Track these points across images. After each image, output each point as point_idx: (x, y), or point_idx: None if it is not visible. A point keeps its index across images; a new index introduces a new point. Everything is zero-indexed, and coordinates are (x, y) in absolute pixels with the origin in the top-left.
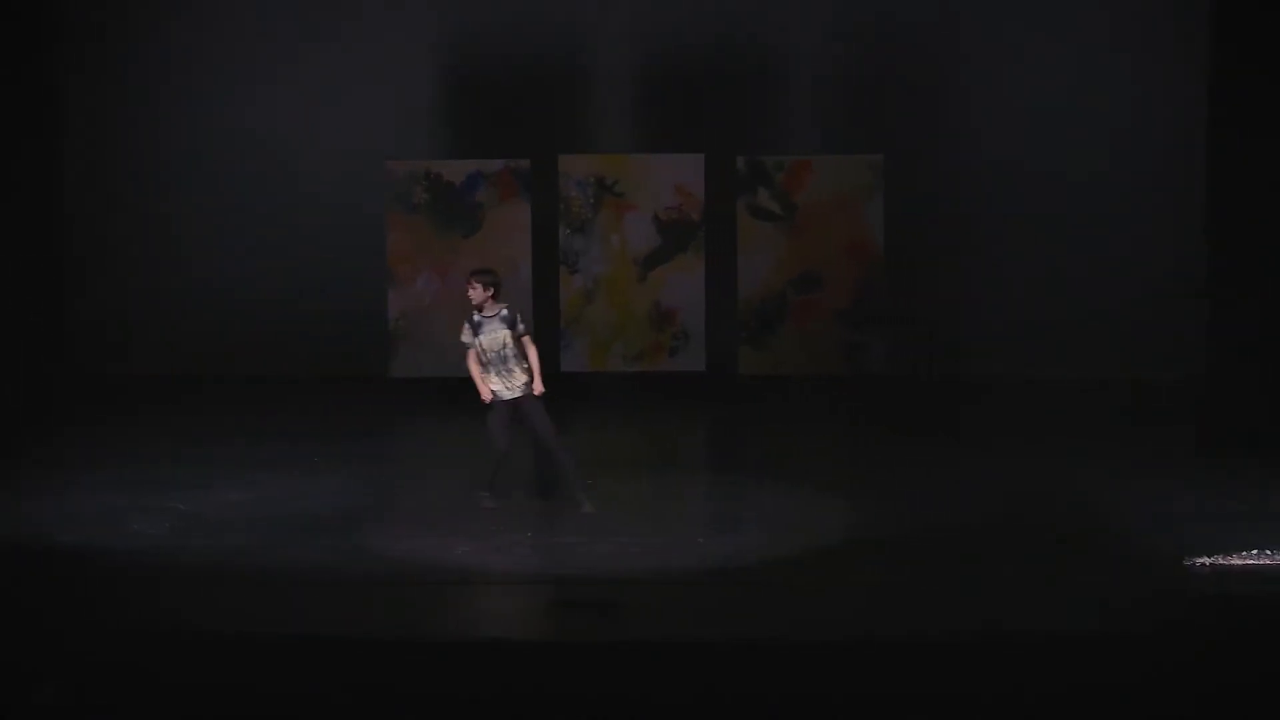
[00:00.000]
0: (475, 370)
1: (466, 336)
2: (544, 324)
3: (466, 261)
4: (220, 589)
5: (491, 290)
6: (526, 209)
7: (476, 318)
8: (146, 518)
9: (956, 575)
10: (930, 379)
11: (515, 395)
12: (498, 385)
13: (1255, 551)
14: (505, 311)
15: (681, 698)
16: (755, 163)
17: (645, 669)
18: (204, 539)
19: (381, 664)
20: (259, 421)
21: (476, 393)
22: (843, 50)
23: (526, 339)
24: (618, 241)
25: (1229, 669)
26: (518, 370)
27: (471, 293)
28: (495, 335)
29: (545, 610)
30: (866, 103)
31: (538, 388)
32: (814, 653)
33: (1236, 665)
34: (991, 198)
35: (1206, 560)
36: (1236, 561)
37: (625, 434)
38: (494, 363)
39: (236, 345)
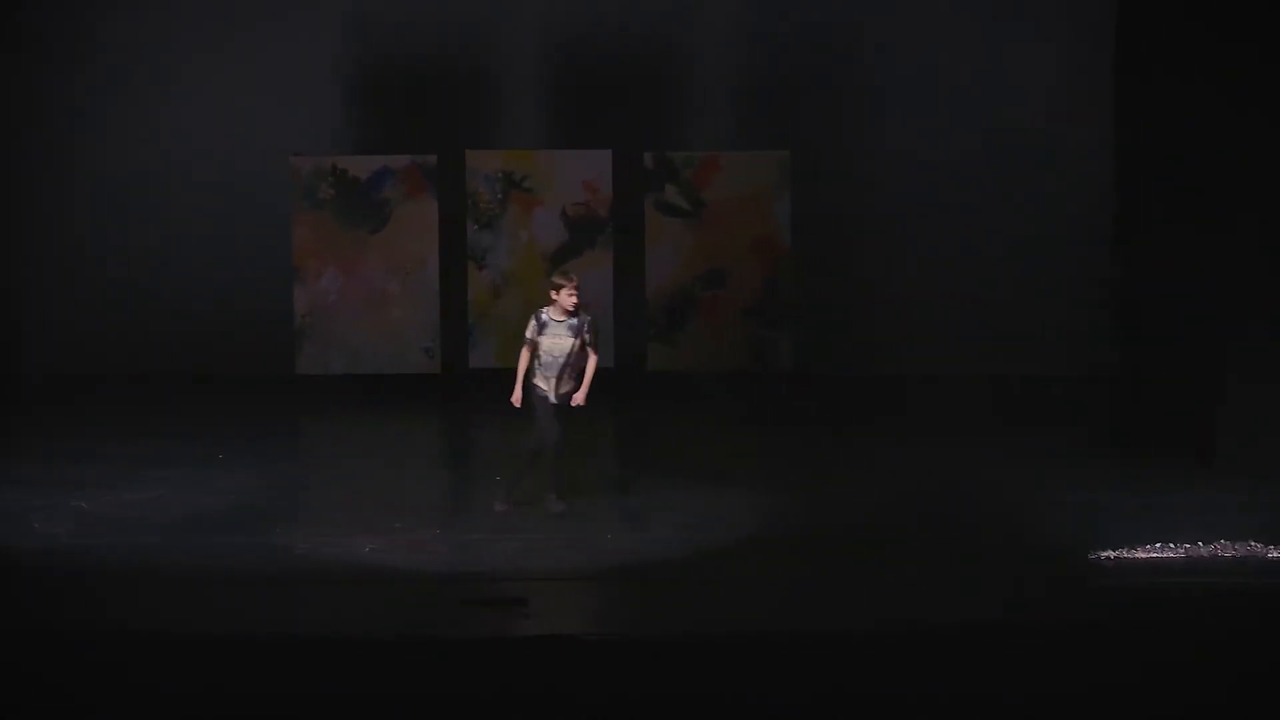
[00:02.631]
0: (521, 367)
1: (530, 332)
2: (451, 320)
3: (373, 257)
4: (127, 588)
5: (575, 297)
6: (434, 205)
7: (544, 316)
8: (49, 518)
9: (864, 570)
10: (839, 375)
11: (555, 400)
12: (545, 387)
13: (1159, 545)
14: (577, 320)
15: (588, 695)
16: (663, 159)
17: (550, 666)
18: (109, 538)
19: (288, 663)
20: (163, 420)
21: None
22: (749, 46)
23: (591, 352)
24: (526, 237)
25: (1132, 661)
26: (568, 379)
27: (572, 298)
28: (561, 341)
29: (452, 608)
30: (774, 99)
31: (580, 398)
32: (722, 650)
33: (1139, 657)
34: (899, 195)
35: (1111, 553)
36: (1141, 555)
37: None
38: (548, 367)
39: (140, 343)
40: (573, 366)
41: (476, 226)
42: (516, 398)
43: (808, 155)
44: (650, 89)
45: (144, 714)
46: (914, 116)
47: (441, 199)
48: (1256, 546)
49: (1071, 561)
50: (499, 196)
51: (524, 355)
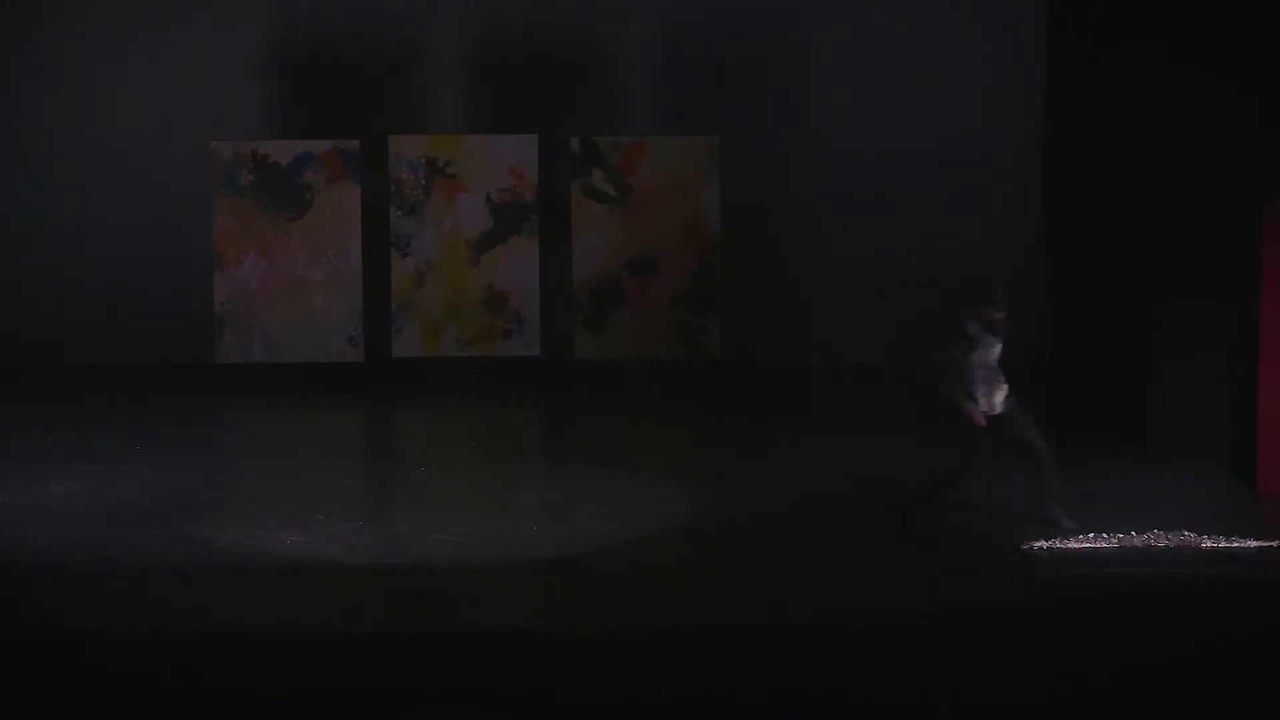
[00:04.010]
0: (959, 387)
1: (964, 349)
2: (375, 308)
3: (294, 244)
4: (42, 583)
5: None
6: (356, 190)
7: (972, 330)
8: None
9: (791, 560)
10: (770, 363)
11: (1003, 409)
12: (986, 402)
13: (1092, 535)
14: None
15: (511, 687)
16: (590, 143)
17: (477, 660)
18: (25, 532)
19: (205, 657)
20: (81, 412)
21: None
22: (678, 29)
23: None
24: (450, 223)
25: (1064, 653)
26: (1002, 383)
27: (999, 315)
28: (994, 350)
29: (376, 601)
30: (703, 83)
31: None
32: (649, 641)
33: (1071, 650)
34: (831, 181)
35: (1044, 544)
36: (1074, 545)
37: (459, 420)
38: (987, 379)
39: (57, 333)
40: (1000, 371)
41: (400, 213)
42: (977, 416)
43: (737, 140)
44: (576, 73)
45: (53, 711)
46: (846, 102)
47: (364, 185)
48: (1190, 536)
49: (1003, 552)
50: (423, 182)
51: (954, 371)
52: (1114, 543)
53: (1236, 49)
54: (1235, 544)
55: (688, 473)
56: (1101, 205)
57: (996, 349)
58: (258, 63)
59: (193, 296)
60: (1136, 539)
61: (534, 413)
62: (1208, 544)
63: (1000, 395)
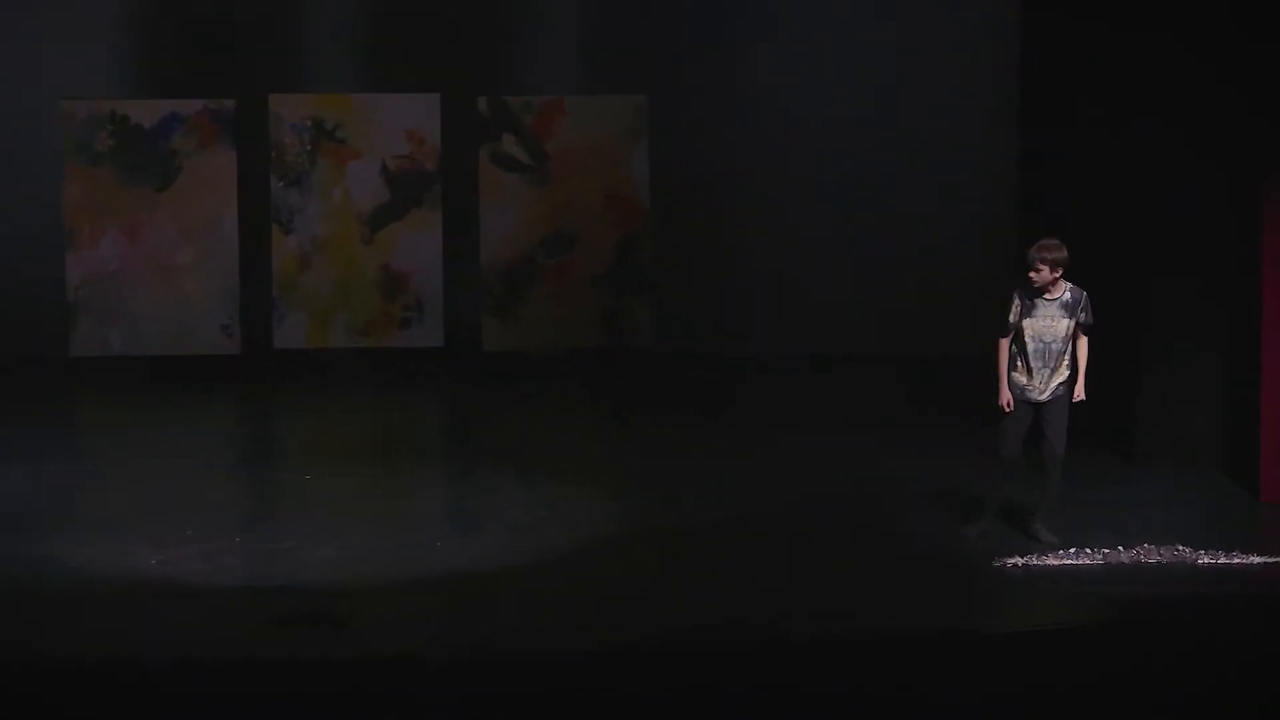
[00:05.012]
0: (1004, 360)
1: (1014, 315)
2: (254, 292)
3: (161, 219)
4: None
5: (1059, 271)
6: (232, 157)
7: (1031, 297)
8: None
9: (730, 574)
10: (703, 354)
11: (1047, 397)
12: (1026, 381)
13: (1074, 551)
14: (1070, 295)
15: None
16: (500, 104)
17: (368, 691)
18: None
19: (57, 690)
20: None
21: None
22: None
23: (1086, 337)
24: (340, 195)
25: (1038, 673)
26: (1060, 367)
27: (1035, 276)
28: (1052, 323)
29: (254, 626)
30: (629, 34)
31: (1081, 392)
32: (565, 665)
33: (1045, 682)
34: (776, 149)
35: (1019, 560)
36: (1053, 561)
37: (350, 420)
38: (1038, 355)
39: None
40: (1066, 353)
41: (282, 183)
42: (1006, 397)
43: (668, 99)
44: (484, 23)
45: None
46: (794, 58)
47: (240, 150)
48: (1184, 551)
49: (972, 570)
50: (308, 148)
51: (1003, 346)
52: (1099, 558)
53: (1226, 28)
54: (1236, 560)
55: (610, 478)
56: (1083, 187)
57: (1054, 321)
58: (117, 8)
59: (42, 280)
60: (1124, 554)
61: (436, 411)
62: (1204, 560)
63: (1050, 377)
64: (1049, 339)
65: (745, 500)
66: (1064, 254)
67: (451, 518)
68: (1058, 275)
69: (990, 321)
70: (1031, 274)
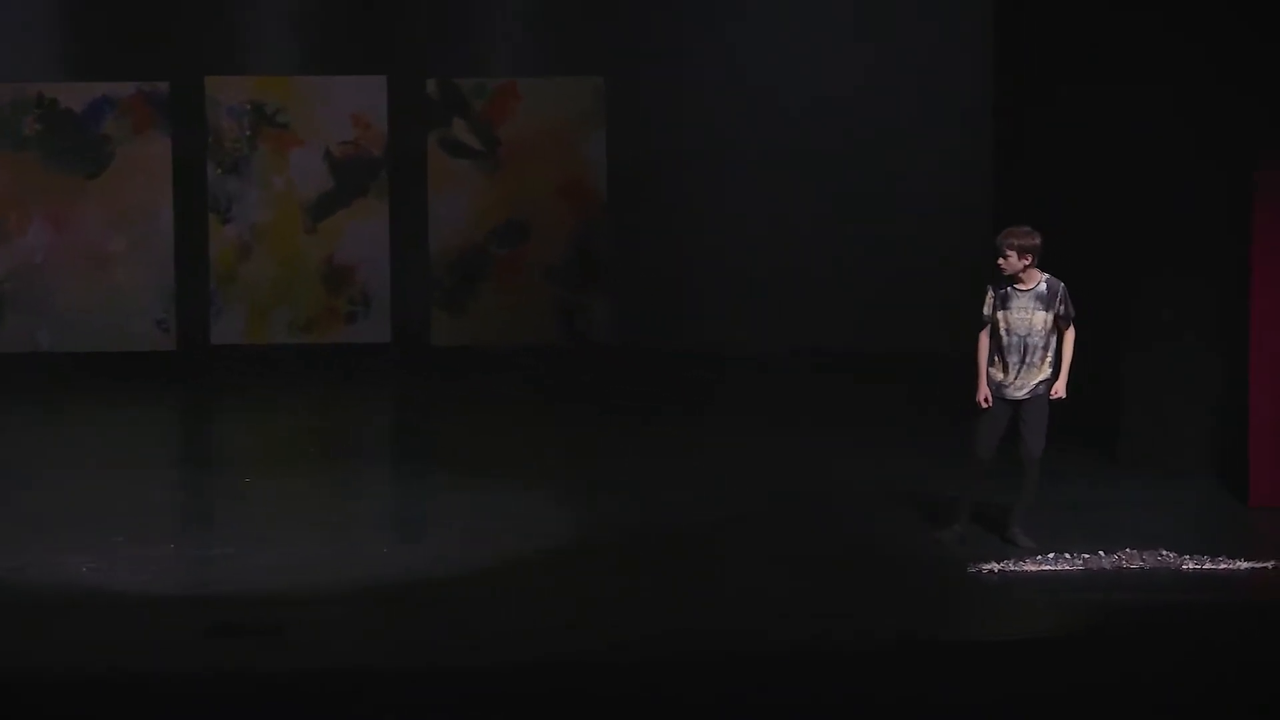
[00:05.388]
0: (983, 355)
1: (988, 309)
2: (190, 286)
3: (91, 208)
4: None
5: (1029, 258)
6: (166, 143)
7: (1005, 288)
8: None
9: (692, 581)
10: (663, 350)
11: (1024, 395)
12: (1003, 378)
13: (1052, 556)
14: (1045, 286)
15: None
16: (450, 86)
17: (310, 705)
18: None
19: None
20: None
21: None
22: None
23: (1069, 329)
24: (281, 183)
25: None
26: (1041, 365)
27: (1003, 263)
28: (1027, 315)
29: (189, 638)
30: (586, 13)
31: (1060, 389)
32: (514, 679)
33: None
34: (741, 133)
35: (995, 566)
36: (1031, 567)
37: (292, 420)
38: (1013, 349)
39: None
40: (1046, 347)
41: (219, 170)
42: (984, 393)
43: (627, 82)
44: (434, 1)
45: None
46: (759, 38)
47: (176, 136)
48: (1169, 556)
49: (946, 576)
50: (247, 133)
51: (982, 339)
52: (1078, 564)
53: (1213, 7)
54: (1223, 565)
55: (565, 480)
56: (1063, 177)
57: (1029, 314)
58: None
59: None
60: (1105, 559)
61: (383, 410)
62: (1190, 565)
63: (1028, 374)
64: (1024, 332)
65: (711, 503)
66: (1034, 240)
67: (400, 523)
68: (1027, 262)
69: (965, 315)
70: (1000, 261)
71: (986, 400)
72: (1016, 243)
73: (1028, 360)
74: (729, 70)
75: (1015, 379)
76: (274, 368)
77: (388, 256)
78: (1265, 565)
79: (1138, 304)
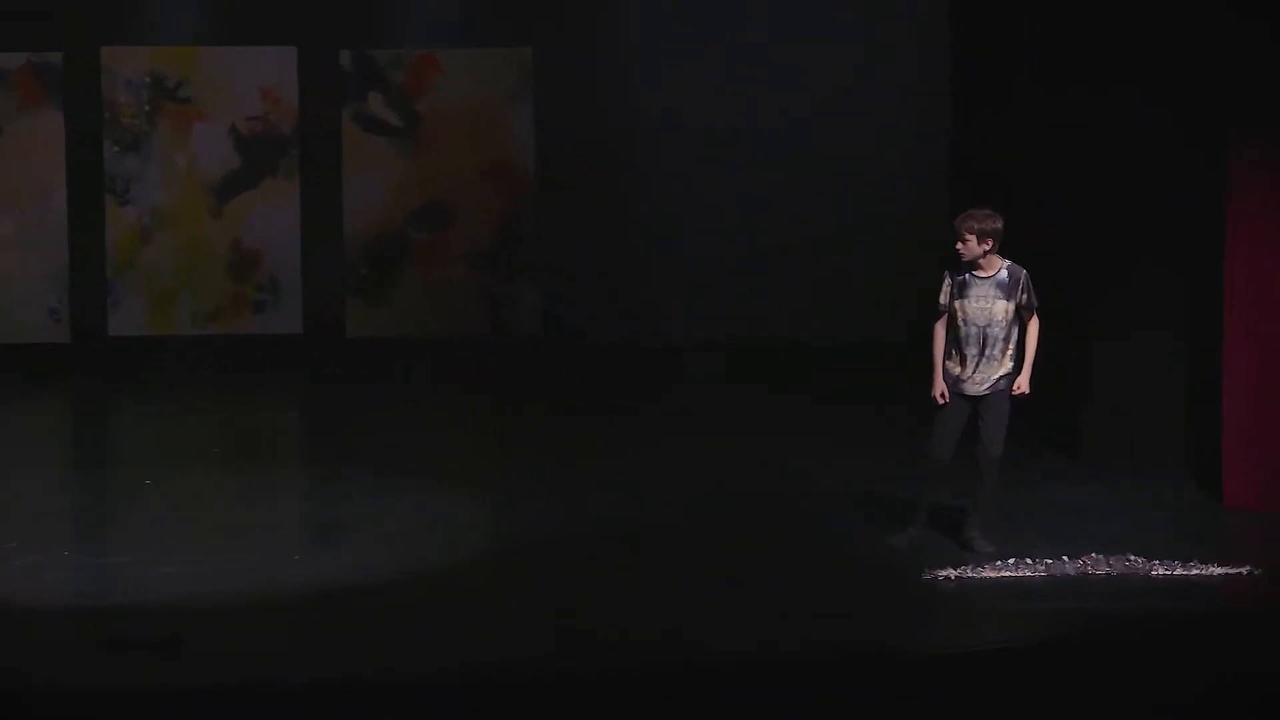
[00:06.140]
0: (939, 347)
1: (945, 297)
2: (85, 273)
3: None
4: None
5: (989, 243)
6: (59, 119)
7: (963, 275)
8: None
9: (624, 592)
10: (597, 343)
11: (984, 390)
12: (960, 371)
13: (1013, 562)
14: (1006, 274)
15: None
16: (365, 58)
17: None
18: None
19: None
20: None
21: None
22: None
23: (1033, 320)
24: (184, 162)
25: (972, 698)
26: (1001, 358)
27: (962, 248)
28: (986, 305)
29: (84, 651)
30: None
31: (1023, 384)
32: (434, 697)
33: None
34: (681, 108)
35: (951, 573)
36: (990, 573)
37: (196, 417)
38: (971, 341)
39: None
40: (1007, 339)
41: (117, 148)
42: (939, 388)
43: (557, 53)
44: None
45: None
46: (701, 6)
47: (69, 111)
48: (1137, 561)
49: (899, 583)
50: (146, 108)
51: (938, 330)
52: (1041, 570)
53: None
54: (1195, 571)
55: (489, 482)
56: (1024, 162)
57: (989, 303)
58: None
59: None
60: (1069, 565)
61: (295, 407)
62: (1160, 571)
63: (987, 368)
64: (983, 322)
65: (646, 505)
66: (995, 224)
67: (312, 528)
68: (988, 248)
69: (918, 305)
70: (958, 246)
71: (942, 396)
72: (976, 226)
73: (987, 353)
74: (669, 40)
75: (974, 373)
76: (176, 361)
77: (298, 241)
78: (1240, 570)
79: (1104, 294)
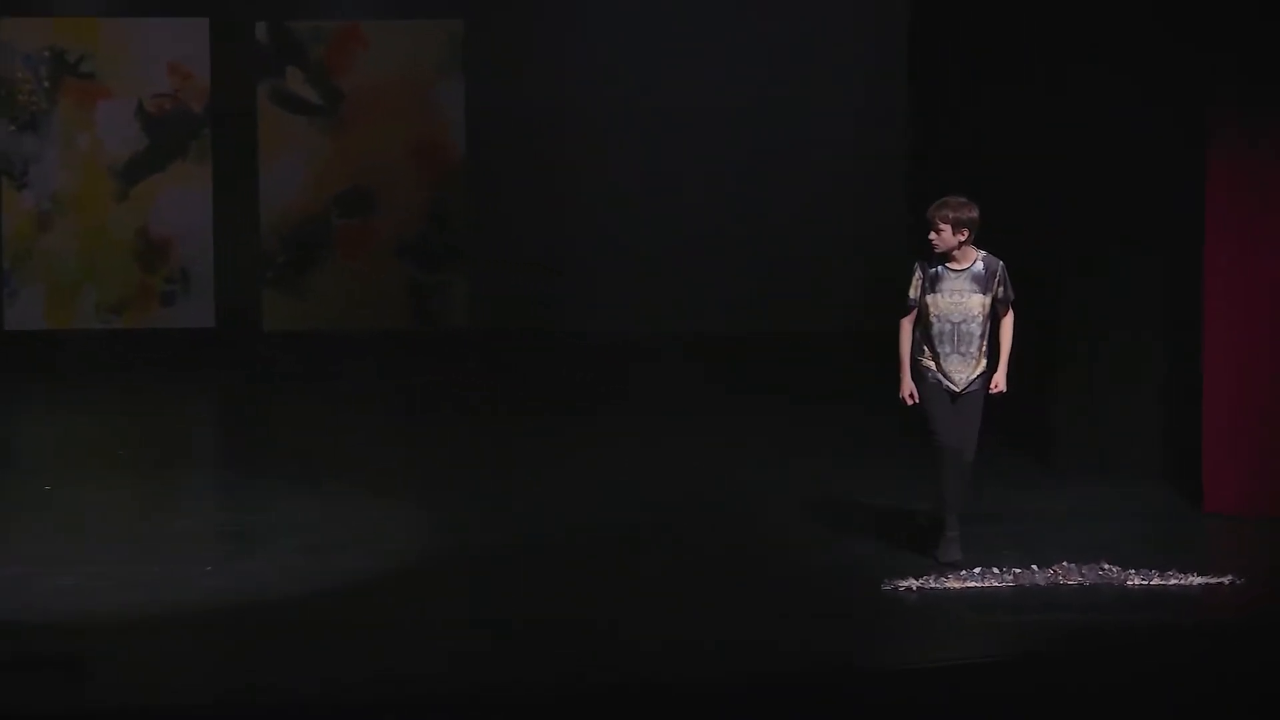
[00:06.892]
0: (906, 345)
1: (915, 291)
2: None
3: None
4: None
5: (965, 234)
6: None
7: (935, 268)
8: None
9: (560, 607)
10: (532, 335)
11: (960, 388)
12: (936, 368)
13: (978, 571)
14: (982, 266)
15: None
16: (282, 30)
17: None
18: None
19: None
20: None
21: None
22: None
23: (1008, 314)
24: (86, 142)
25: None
26: (978, 356)
27: (935, 238)
28: (961, 299)
29: None
30: None
31: (1000, 382)
32: (352, 713)
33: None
34: (622, 85)
35: (914, 583)
36: (954, 584)
37: (100, 417)
38: (944, 338)
39: None
40: (983, 336)
41: (13, 127)
42: (908, 388)
43: (490, 25)
44: None
45: None
46: None
47: None
48: (1111, 570)
49: (857, 594)
50: (45, 84)
51: (905, 327)
52: (1009, 580)
53: None
54: (1173, 581)
55: (417, 486)
56: (983, 137)
57: (964, 297)
58: None
59: None
60: (1039, 575)
61: (206, 406)
62: (1135, 581)
63: (964, 367)
64: (957, 319)
65: (590, 511)
66: (971, 213)
67: (224, 537)
68: (963, 238)
69: (875, 295)
70: (931, 236)
71: (912, 396)
72: (951, 215)
73: (962, 351)
74: (610, 12)
75: (950, 372)
76: (80, 356)
77: (211, 228)
78: (1221, 580)
79: (1077, 293)
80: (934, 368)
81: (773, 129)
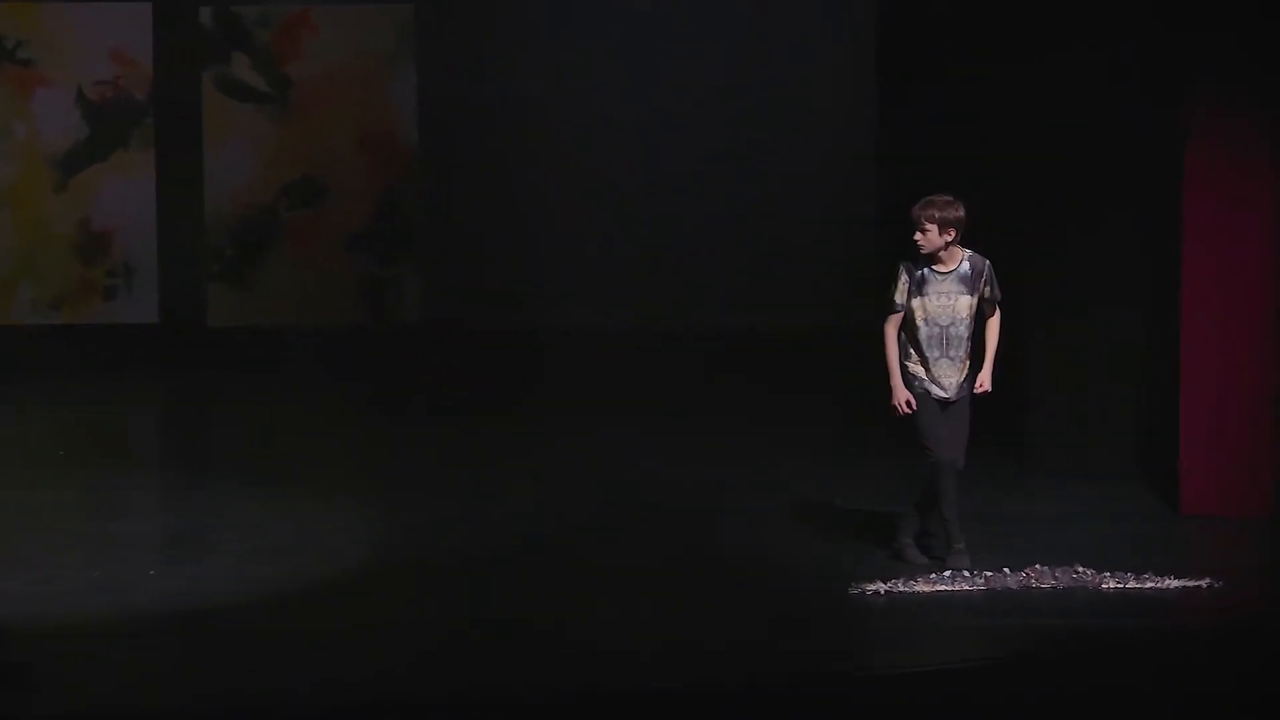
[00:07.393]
0: (892, 352)
1: (900, 295)
2: None
3: None
4: None
5: (951, 233)
6: None
7: (922, 270)
8: None
9: (519, 609)
10: (486, 331)
11: (948, 395)
12: (925, 375)
13: (949, 574)
14: (968, 266)
15: None
16: (228, 15)
17: None
18: None
19: None
20: None
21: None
22: None
23: (994, 313)
24: (24, 131)
25: None
26: (967, 358)
27: (921, 239)
28: (949, 302)
29: None
30: None
31: (985, 382)
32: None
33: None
34: (581, 74)
35: (882, 586)
36: (924, 587)
37: (40, 416)
38: (933, 342)
39: None
40: (970, 338)
41: None
42: (902, 396)
43: (442, 11)
44: None
45: None
46: None
47: None
48: (1085, 574)
49: (823, 598)
50: None
51: (890, 330)
52: (979, 584)
53: None
54: (1149, 584)
55: (369, 489)
56: (957, 138)
57: (952, 300)
58: None
59: None
60: (1010, 578)
61: (150, 404)
62: (1110, 584)
63: (950, 373)
64: (946, 322)
65: (546, 514)
66: (957, 212)
67: (170, 541)
68: (950, 238)
69: (846, 290)
70: (917, 236)
71: (908, 404)
72: (937, 214)
73: (951, 355)
74: None
75: (939, 377)
76: (17, 353)
77: (154, 221)
78: (1199, 584)
79: (1050, 287)
80: (923, 375)
81: (737, 117)
